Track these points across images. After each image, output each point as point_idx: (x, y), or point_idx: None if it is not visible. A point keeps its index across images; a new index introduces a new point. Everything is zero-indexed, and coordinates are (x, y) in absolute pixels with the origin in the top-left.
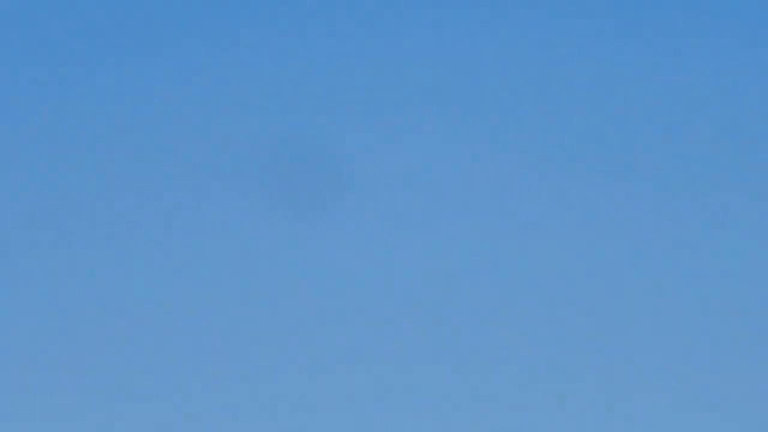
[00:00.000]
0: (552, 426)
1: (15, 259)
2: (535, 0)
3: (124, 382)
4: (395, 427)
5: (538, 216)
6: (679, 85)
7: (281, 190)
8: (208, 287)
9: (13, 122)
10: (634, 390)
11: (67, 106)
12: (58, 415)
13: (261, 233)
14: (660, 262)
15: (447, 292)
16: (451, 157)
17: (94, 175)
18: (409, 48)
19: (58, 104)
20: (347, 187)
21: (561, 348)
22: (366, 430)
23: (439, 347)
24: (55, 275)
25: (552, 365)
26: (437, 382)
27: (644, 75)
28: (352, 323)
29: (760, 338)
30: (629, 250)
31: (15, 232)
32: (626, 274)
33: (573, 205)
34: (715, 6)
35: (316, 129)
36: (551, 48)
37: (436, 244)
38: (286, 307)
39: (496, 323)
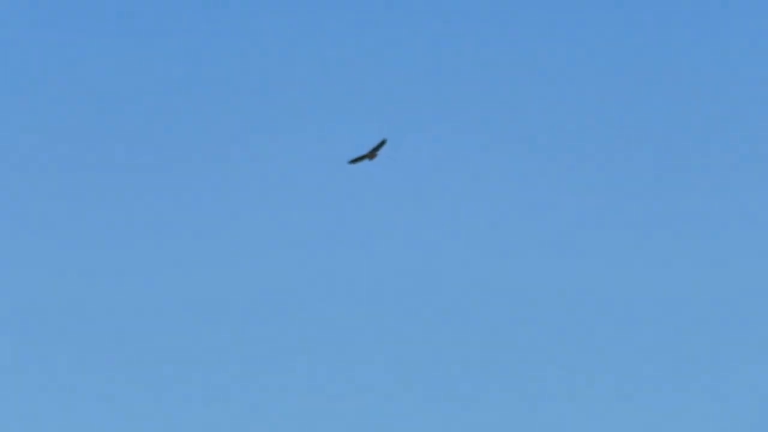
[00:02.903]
0: (551, 425)
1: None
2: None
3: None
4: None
5: (536, 216)
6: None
7: None
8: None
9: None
10: (632, 391)
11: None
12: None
13: None
14: (657, 264)
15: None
16: (453, 155)
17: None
18: (412, 48)
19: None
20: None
21: (558, 348)
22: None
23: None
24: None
25: (550, 365)
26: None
27: (644, 78)
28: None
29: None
30: (626, 251)
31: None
32: (623, 274)
33: (571, 205)
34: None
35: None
36: (551, 50)
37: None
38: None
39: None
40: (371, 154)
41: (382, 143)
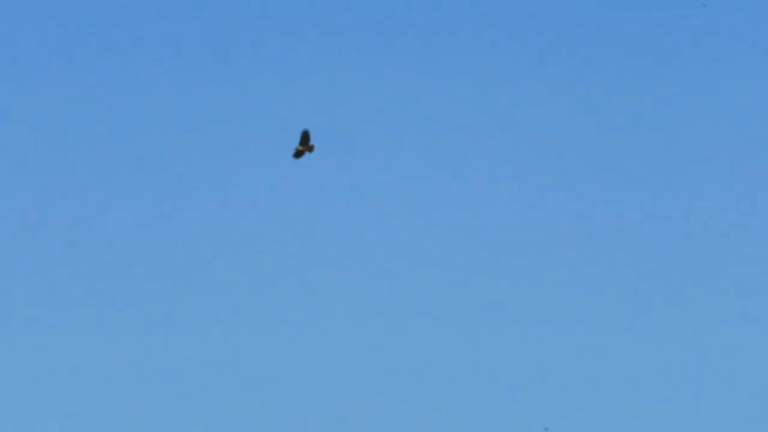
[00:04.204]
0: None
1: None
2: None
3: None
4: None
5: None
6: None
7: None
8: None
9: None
10: (628, 392)
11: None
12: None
13: None
14: (654, 271)
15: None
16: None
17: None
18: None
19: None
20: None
21: (553, 352)
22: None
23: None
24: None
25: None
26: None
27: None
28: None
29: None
30: (622, 256)
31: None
32: (618, 280)
33: (568, 208)
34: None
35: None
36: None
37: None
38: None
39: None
40: (307, 147)
41: (306, 134)
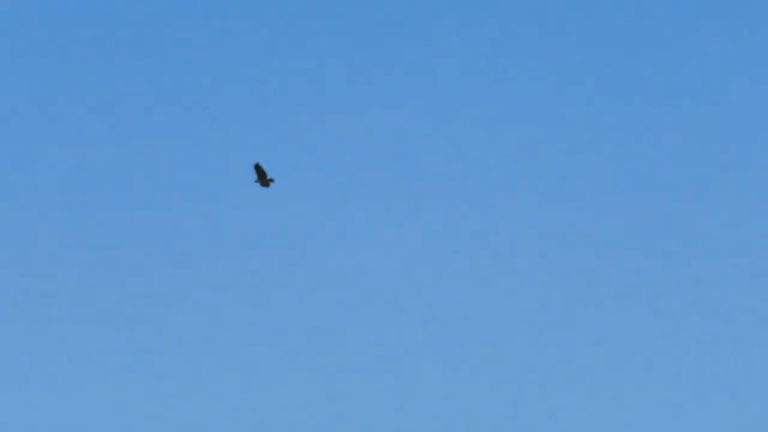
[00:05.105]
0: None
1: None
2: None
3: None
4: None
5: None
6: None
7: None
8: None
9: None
10: (627, 392)
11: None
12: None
13: None
14: (659, 267)
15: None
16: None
17: None
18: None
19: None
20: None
21: (554, 350)
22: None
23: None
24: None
25: (548, 364)
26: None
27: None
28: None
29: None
30: (623, 250)
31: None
32: (622, 271)
33: (569, 205)
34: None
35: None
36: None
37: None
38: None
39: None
40: (266, 181)
41: (258, 168)
